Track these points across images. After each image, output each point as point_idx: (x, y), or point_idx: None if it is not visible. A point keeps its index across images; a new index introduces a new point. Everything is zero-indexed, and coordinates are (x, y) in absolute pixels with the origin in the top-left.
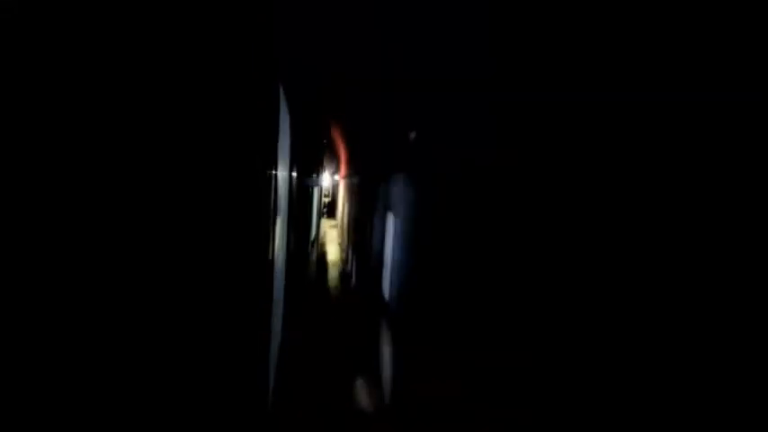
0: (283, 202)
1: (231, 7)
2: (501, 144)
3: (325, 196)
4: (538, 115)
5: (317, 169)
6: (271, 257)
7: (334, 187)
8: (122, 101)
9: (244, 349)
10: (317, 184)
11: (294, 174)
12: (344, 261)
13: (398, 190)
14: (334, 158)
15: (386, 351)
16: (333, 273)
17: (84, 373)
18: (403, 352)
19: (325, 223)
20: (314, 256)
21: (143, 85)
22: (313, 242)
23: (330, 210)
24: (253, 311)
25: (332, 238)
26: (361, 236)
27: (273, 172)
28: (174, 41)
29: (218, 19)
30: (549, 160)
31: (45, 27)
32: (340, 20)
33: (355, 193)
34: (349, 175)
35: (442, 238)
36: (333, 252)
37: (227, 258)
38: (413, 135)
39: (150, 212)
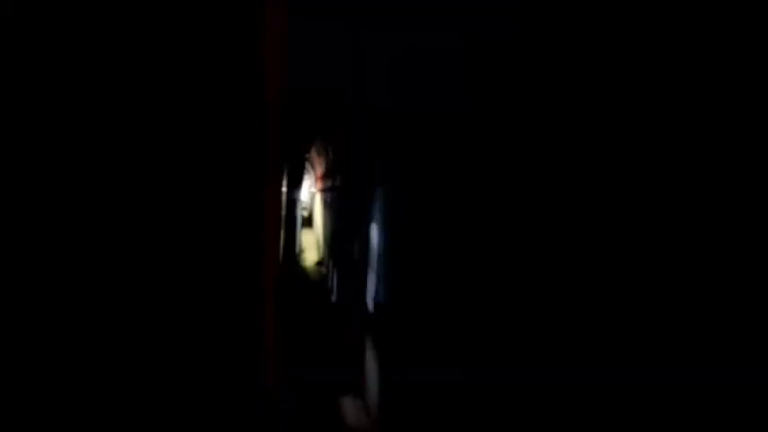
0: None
1: (222, 29)
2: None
3: (303, 209)
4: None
5: (298, 183)
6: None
7: (311, 200)
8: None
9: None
10: (298, 198)
11: (283, 188)
12: (324, 273)
13: (382, 200)
14: (311, 172)
15: (371, 359)
16: (314, 283)
17: (105, 375)
18: (390, 358)
19: (304, 235)
20: (299, 266)
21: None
22: (299, 252)
23: (307, 222)
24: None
25: (310, 249)
26: (343, 247)
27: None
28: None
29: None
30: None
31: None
32: (333, 47)
33: (335, 204)
34: (327, 188)
35: (425, 246)
36: (312, 261)
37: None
38: (397, 148)
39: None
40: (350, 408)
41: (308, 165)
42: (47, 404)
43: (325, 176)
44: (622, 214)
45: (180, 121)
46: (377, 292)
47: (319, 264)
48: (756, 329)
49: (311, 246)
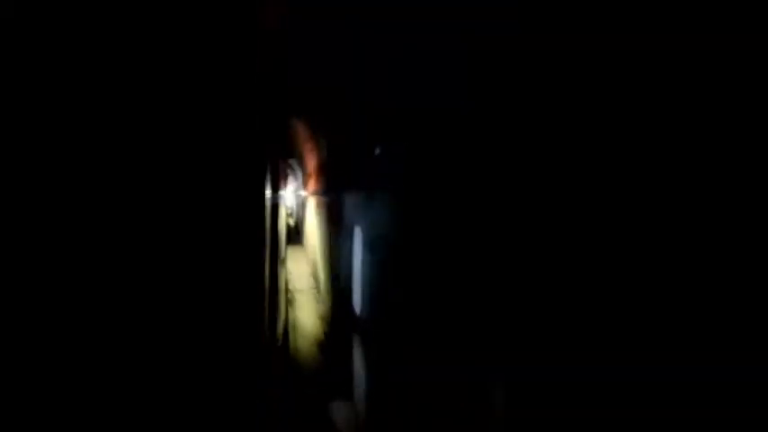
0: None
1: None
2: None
3: (289, 215)
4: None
5: (283, 184)
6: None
7: (300, 206)
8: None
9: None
10: (282, 201)
11: (269, 190)
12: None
13: (380, 199)
14: (300, 171)
15: (359, 361)
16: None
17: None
18: (377, 360)
19: (291, 260)
20: (283, 275)
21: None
22: (283, 260)
23: (295, 235)
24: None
25: (304, 293)
26: (334, 251)
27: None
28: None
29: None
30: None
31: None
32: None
33: (331, 210)
34: (322, 192)
35: (422, 245)
36: (312, 328)
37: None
38: (397, 148)
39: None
40: (340, 410)
41: (293, 162)
42: (52, 404)
43: (320, 174)
44: (622, 215)
45: (178, 122)
46: (367, 293)
47: (323, 343)
48: (756, 329)
49: (304, 281)
